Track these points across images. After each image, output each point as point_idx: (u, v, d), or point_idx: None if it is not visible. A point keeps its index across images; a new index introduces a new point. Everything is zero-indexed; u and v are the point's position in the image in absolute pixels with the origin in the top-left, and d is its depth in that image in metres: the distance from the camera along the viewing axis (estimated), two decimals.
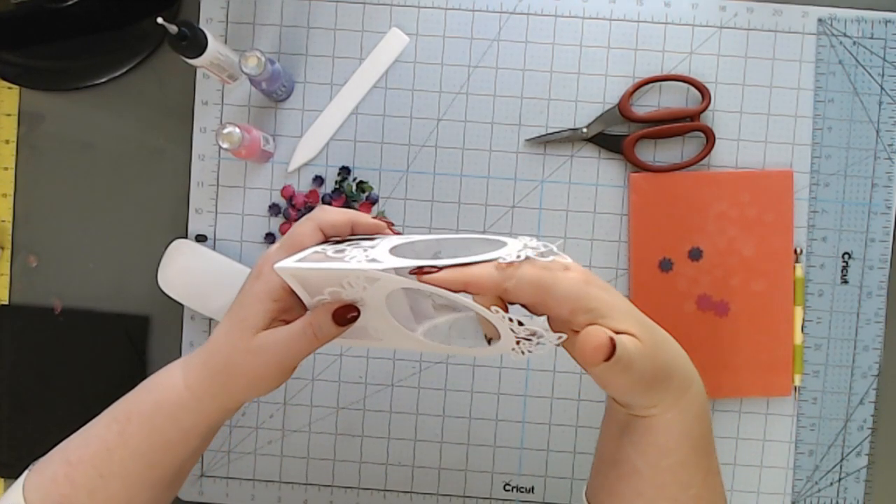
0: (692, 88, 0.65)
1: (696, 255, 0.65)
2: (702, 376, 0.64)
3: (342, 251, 0.43)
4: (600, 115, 0.65)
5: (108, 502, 0.46)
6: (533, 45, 0.65)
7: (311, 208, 0.65)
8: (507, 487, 0.66)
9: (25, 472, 0.48)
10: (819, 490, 0.66)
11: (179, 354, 0.66)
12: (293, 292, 0.43)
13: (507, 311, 0.39)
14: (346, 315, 0.43)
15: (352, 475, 0.66)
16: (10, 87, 0.66)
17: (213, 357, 0.46)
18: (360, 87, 0.65)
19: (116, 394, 0.66)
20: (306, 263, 0.41)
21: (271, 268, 0.43)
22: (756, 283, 0.64)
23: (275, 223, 0.66)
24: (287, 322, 0.45)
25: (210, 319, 0.66)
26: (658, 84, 0.65)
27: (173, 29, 0.54)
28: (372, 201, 0.65)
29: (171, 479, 0.48)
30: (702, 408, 0.45)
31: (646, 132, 0.64)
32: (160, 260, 0.64)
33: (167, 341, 0.67)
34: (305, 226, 0.46)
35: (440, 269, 0.39)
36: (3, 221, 0.67)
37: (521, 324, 0.39)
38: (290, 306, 0.44)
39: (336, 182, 0.65)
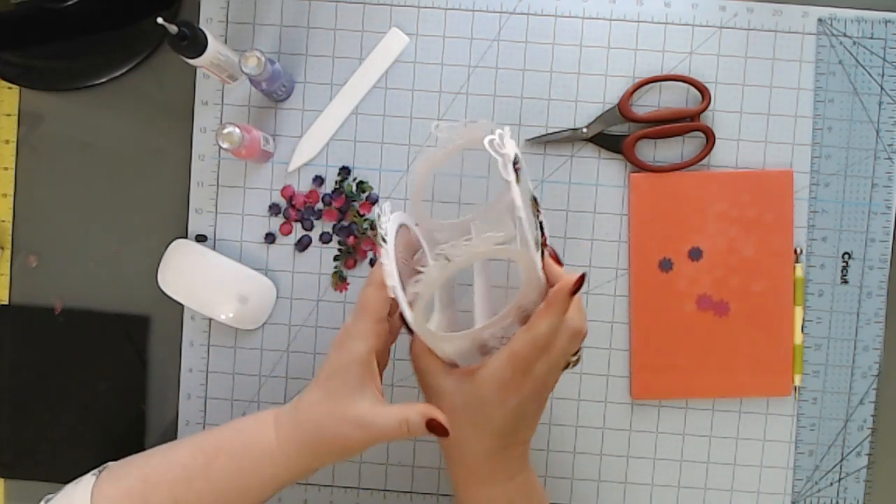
0: (692, 88, 0.65)
1: (696, 255, 0.65)
2: (702, 376, 0.65)
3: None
4: (600, 115, 0.65)
5: None
6: (533, 45, 0.65)
7: (310, 208, 0.65)
8: None
9: (94, 476, 0.49)
10: (819, 490, 0.66)
11: (179, 354, 0.66)
12: (374, 357, 0.48)
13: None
14: (437, 427, 0.46)
15: (352, 475, 0.66)
16: (10, 87, 0.66)
17: (306, 420, 0.47)
18: (360, 87, 0.65)
19: (116, 394, 0.66)
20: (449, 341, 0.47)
21: (351, 338, 0.47)
22: (756, 283, 0.64)
23: (275, 223, 0.66)
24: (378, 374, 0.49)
25: (210, 319, 0.66)
26: (658, 84, 0.65)
27: (173, 29, 0.54)
28: (372, 201, 0.65)
29: None
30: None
31: (646, 132, 0.64)
32: (160, 260, 0.64)
33: (167, 341, 0.67)
34: (370, 290, 0.48)
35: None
36: (3, 221, 0.67)
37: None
38: (375, 370, 0.48)
39: (336, 182, 0.65)
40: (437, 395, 0.48)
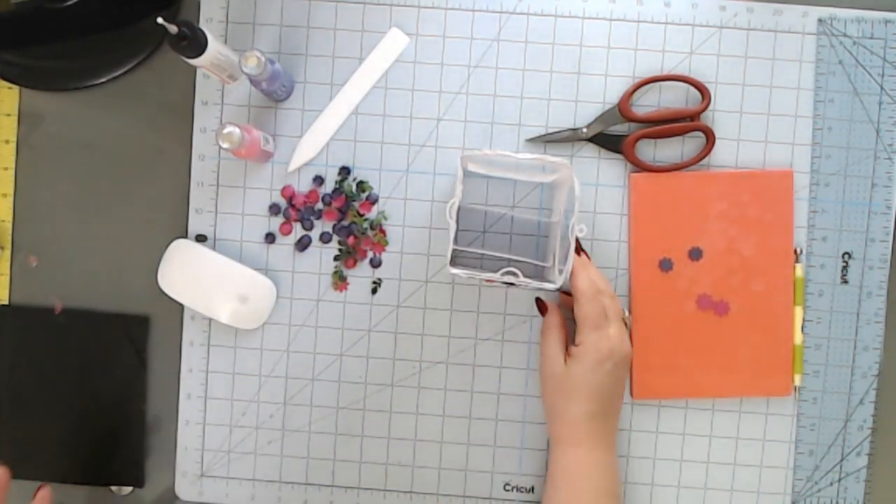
0: (692, 88, 0.65)
1: (696, 255, 0.65)
2: (702, 376, 0.65)
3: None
4: (600, 115, 0.65)
5: None
6: (533, 45, 0.65)
7: (310, 208, 0.65)
8: (507, 487, 0.66)
9: None
10: (819, 490, 0.66)
11: (179, 354, 0.66)
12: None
13: None
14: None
15: (352, 475, 0.66)
16: (10, 87, 0.66)
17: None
18: (360, 87, 0.65)
19: (116, 394, 0.66)
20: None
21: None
22: (756, 283, 0.64)
23: (275, 223, 0.66)
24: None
25: (210, 319, 0.66)
26: (658, 84, 0.65)
27: (173, 29, 0.54)
28: (372, 201, 0.65)
29: None
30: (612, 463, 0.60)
31: (646, 132, 0.64)
32: (160, 260, 0.64)
33: (167, 341, 0.67)
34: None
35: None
36: (3, 221, 0.67)
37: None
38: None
39: (336, 182, 0.65)
40: (551, 366, 0.59)
